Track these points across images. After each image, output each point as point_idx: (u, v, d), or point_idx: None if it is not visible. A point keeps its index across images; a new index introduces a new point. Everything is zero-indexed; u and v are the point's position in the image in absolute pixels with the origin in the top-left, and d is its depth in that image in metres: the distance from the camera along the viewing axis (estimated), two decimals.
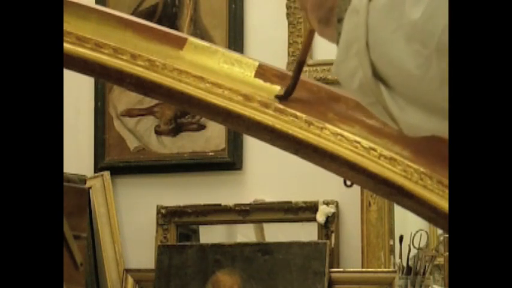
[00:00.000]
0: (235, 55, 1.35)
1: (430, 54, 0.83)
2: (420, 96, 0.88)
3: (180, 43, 1.34)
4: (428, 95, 0.87)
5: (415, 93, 0.89)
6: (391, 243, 2.52)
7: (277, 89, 1.30)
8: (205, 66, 1.32)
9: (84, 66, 1.33)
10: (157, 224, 2.68)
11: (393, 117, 0.94)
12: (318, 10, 1.05)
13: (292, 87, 1.26)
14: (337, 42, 0.98)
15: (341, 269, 2.47)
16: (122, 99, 2.78)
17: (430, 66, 0.84)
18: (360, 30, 0.91)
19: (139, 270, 2.67)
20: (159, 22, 2.65)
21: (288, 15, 2.60)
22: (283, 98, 1.26)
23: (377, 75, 0.92)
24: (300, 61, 1.28)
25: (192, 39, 1.35)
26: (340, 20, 0.98)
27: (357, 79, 0.94)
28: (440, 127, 0.89)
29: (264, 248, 2.48)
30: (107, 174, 2.75)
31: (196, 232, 2.77)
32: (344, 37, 0.95)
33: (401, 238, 2.51)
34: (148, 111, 2.76)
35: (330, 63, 2.40)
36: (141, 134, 2.76)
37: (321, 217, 2.50)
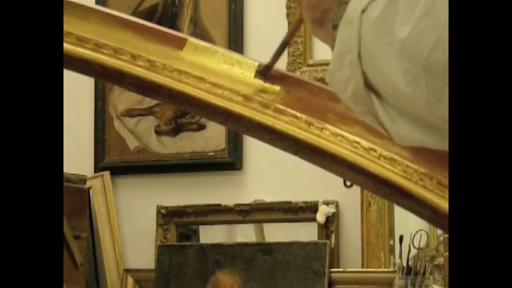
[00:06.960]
0: (235, 55, 1.35)
1: (417, 73, 0.83)
2: (410, 111, 0.88)
3: (180, 43, 1.34)
4: (417, 110, 0.87)
5: (405, 107, 0.89)
6: (391, 243, 2.51)
7: (277, 89, 1.30)
8: (205, 67, 1.32)
9: (84, 66, 1.33)
10: (157, 224, 2.67)
11: (384, 127, 0.93)
12: (313, 10, 1.04)
13: (272, 63, 1.32)
14: (332, 49, 0.97)
15: (341, 269, 2.46)
16: (122, 99, 2.78)
17: (418, 84, 0.84)
18: (352, 41, 0.91)
19: (139, 270, 2.67)
20: (159, 22, 2.65)
21: (288, 15, 2.59)
22: (263, 73, 1.31)
23: (369, 86, 0.92)
24: (284, 41, 1.36)
25: (192, 39, 1.35)
26: (335, 27, 0.97)
27: (350, 88, 0.94)
28: (430, 140, 0.90)
29: (264, 248, 2.47)
30: (106, 174, 2.75)
31: (196, 232, 2.76)
32: (337, 46, 0.95)
33: (401, 238, 2.51)
34: (148, 111, 2.76)
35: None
36: (141, 134, 2.76)
37: (321, 217, 2.50)
